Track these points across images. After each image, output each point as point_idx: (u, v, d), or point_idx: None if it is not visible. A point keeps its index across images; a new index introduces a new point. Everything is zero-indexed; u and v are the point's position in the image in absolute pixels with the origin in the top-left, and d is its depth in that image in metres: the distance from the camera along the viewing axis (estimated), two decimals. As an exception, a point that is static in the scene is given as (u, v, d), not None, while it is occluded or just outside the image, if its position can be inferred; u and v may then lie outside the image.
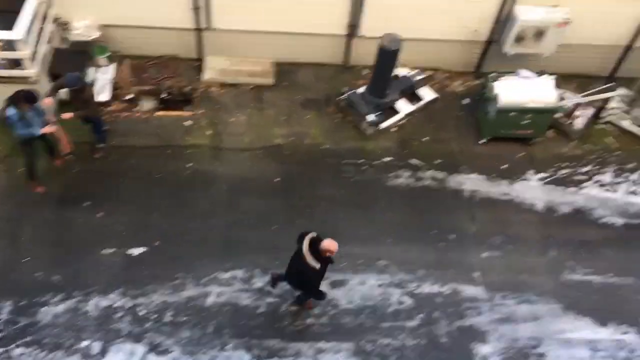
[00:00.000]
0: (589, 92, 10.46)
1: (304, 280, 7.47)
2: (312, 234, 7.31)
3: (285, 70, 11.10)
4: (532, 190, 10.06)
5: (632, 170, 10.28)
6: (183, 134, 10.23)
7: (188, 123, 10.39)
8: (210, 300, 8.52)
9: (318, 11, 10.25)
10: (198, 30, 10.65)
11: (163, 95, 10.52)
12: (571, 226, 9.69)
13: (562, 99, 10.03)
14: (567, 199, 9.99)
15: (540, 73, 10.00)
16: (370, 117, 10.29)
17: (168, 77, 10.61)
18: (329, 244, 7.10)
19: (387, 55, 9.58)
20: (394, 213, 9.61)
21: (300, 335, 8.30)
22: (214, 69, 10.93)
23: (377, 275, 8.96)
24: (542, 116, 9.97)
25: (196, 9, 10.24)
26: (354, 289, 8.82)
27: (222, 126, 10.41)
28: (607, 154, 10.49)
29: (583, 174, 10.25)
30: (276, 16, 10.29)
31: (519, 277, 9.09)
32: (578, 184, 10.15)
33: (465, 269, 9.12)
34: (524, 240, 9.49)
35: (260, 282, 8.72)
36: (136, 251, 8.85)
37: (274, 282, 8.32)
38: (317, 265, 7.17)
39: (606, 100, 10.68)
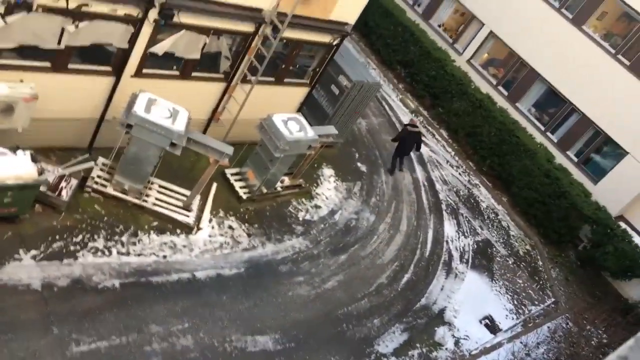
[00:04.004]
0: (69, 163, 10.67)
1: (419, 143, 16.53)
2: (406, 126, 16.68)
3: None
4: (25, 269, 9.54)
5: (121, 233, 10.95)
6: None
7: None
8: None
9: None
10: None
11: None
12: (72, 298, 9.61)
13: (42, 172, 9.90)
14: (64, 271, 9.86)
15: (14, 148, 9.65)
16: None
17: None
18: (412, 117, 17.76)
19: None
20: None
21: None
22: None
23: None
24: (25, 192, 9.61)
25: None
26: None
27: None
28: (96, 220, 10.86)
29: (76, 243, 10.34)
30: None
31: (19, 366, 8.45)
32: (73, 254, 10.18)
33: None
34: (23, 325, 8.88)
35: None
36: None
37: (397, 168, 16.57)
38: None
39: (89, 170, 11.13)
